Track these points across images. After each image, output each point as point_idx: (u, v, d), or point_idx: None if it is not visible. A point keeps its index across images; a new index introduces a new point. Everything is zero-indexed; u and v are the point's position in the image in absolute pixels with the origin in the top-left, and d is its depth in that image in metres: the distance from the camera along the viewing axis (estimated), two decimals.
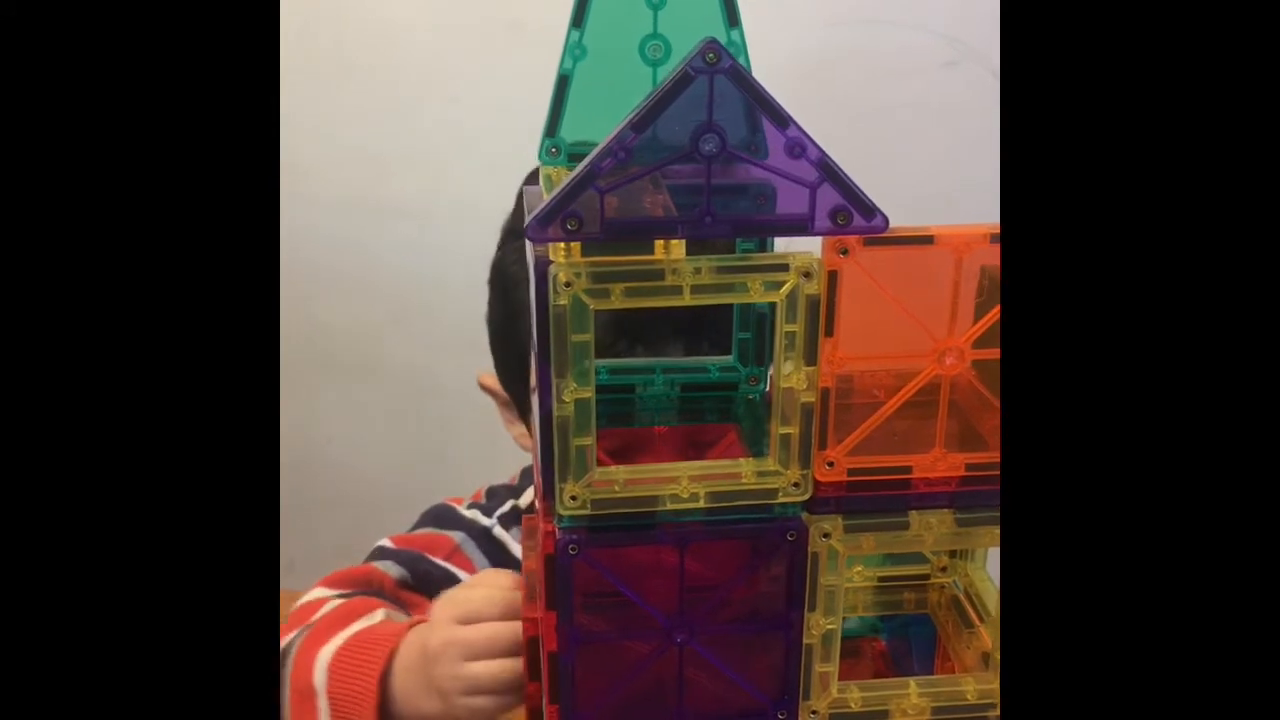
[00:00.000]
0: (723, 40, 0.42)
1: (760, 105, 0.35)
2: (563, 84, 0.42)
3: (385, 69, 1.14)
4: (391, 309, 1.21)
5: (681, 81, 0.35)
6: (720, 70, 0.35)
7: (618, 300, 0.37)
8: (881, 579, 0.52)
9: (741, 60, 0.42)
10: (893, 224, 0.37)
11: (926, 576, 0.52)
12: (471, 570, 0.76)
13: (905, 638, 0.55)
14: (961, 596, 0.50)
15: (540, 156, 0.43)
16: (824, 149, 0.36)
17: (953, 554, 0.51)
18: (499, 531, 0.78)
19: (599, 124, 0.42)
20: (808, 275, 0.37)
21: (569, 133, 0.43)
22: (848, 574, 0.51)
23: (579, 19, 0.41)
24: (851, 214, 0.37)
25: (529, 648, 0.46)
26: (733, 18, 0.42)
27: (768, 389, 0.48)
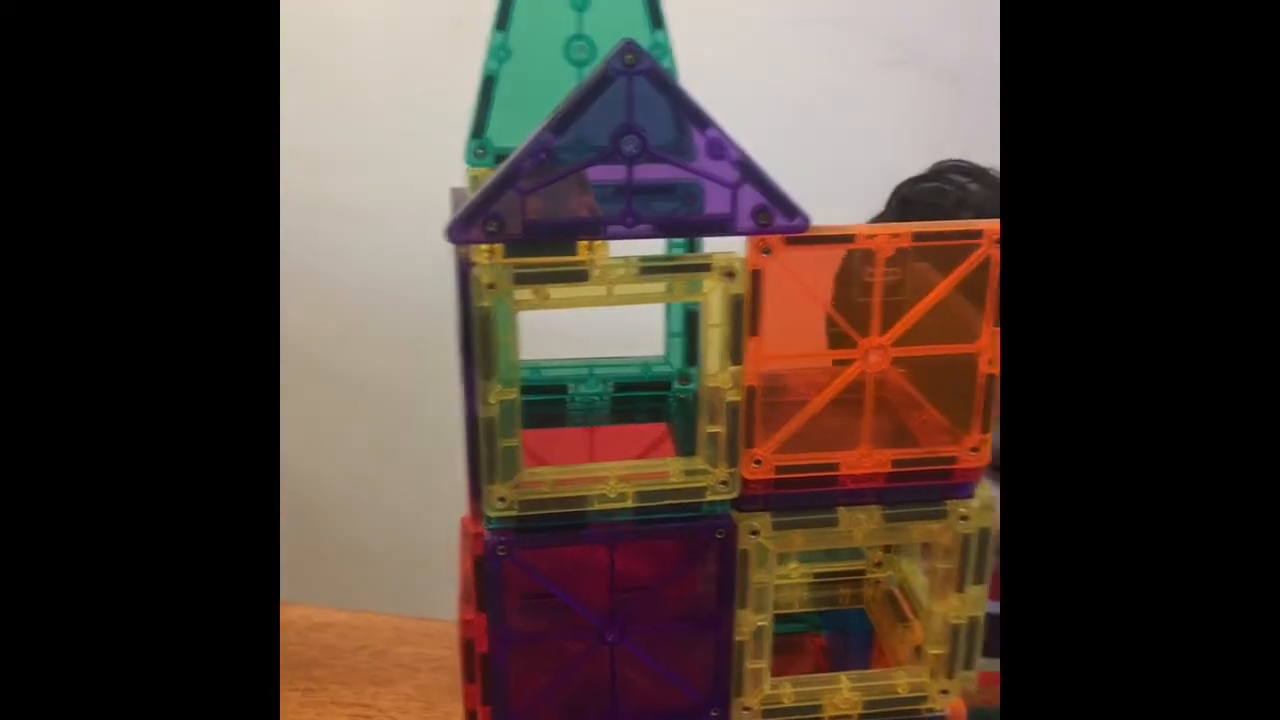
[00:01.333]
0: (646, 42, 0.42)
1: (679, 106, 0.35)
2: (488, 85, 0.42)
3: (333, 68, 1.13)
4: (340, 312, 1.20)
5: (601, 82, 0.35)
6: (639, 71, 0.35)
7: (541, 301, 0.37)
8: (817, 575, 0.52)
9: (666, 62, 0.42)
10: (840, 221, 0.38)
11: (863, 572, 0.52)
12: None
13: (844, 633, 0.55)
14: (896, 591, 0.50)
15: (466, 158, 0.43)
16: (745, 149, 0.36)
17: (887, 549, 0.51)
18: None
19: (526, 125, 0.41)
20: (731, 275, 0.37)
21: (496, 134, 0.43)
22: (784, 571, 0.52)
23: (503, 21, 0.41)
24: (773, 213, 0.37)
25: (463, 650, 0.46)
26: (656, 19, 0.42)
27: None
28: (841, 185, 1.05)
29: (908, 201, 0.80)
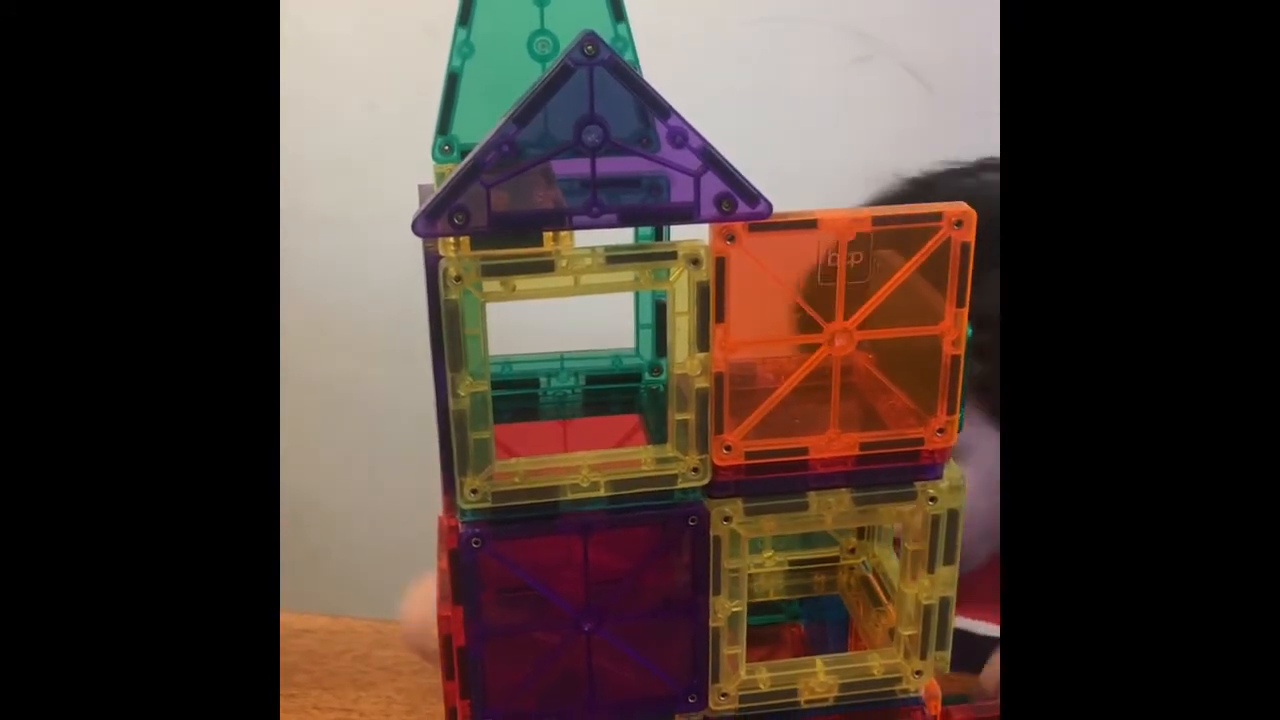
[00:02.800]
0: (609, 34, 0.43)
1: (639, 95, 0.36)
2: (452, 82, 0.42)
3: (306, 77, 1.13)
4: (312, 317, 1.20)
5: (561, 74, 0.35)
6: (599, 62, 0.35)
7: (509, 293, 0.37)
8: (793, 562, 0.53)
9: (628, 54, 0.43)
10: (804, 211, 0.38)
11: (837, 558, 0.53)
12: None
13: (822, 621, 0.56)
14: (870, 576, 0.51)
15: (433, 155, 0.43)
16: (707, 138, 0.37)
17: (860, 535, 0.52)
18: None
19: (490, 121, 0.42)
20: (696, 262, 0.38)
21: (461, 130, 0.43)
22: (759, 558, 0.52)
23: (465, 17, 0.41)
24: (735, 201, 0.37)
25: (442, 646, 0.46)
26: (618, 12, 0.42)
27: None
28: (809, 182, 1.06)
29: (930, 188, 0.79)
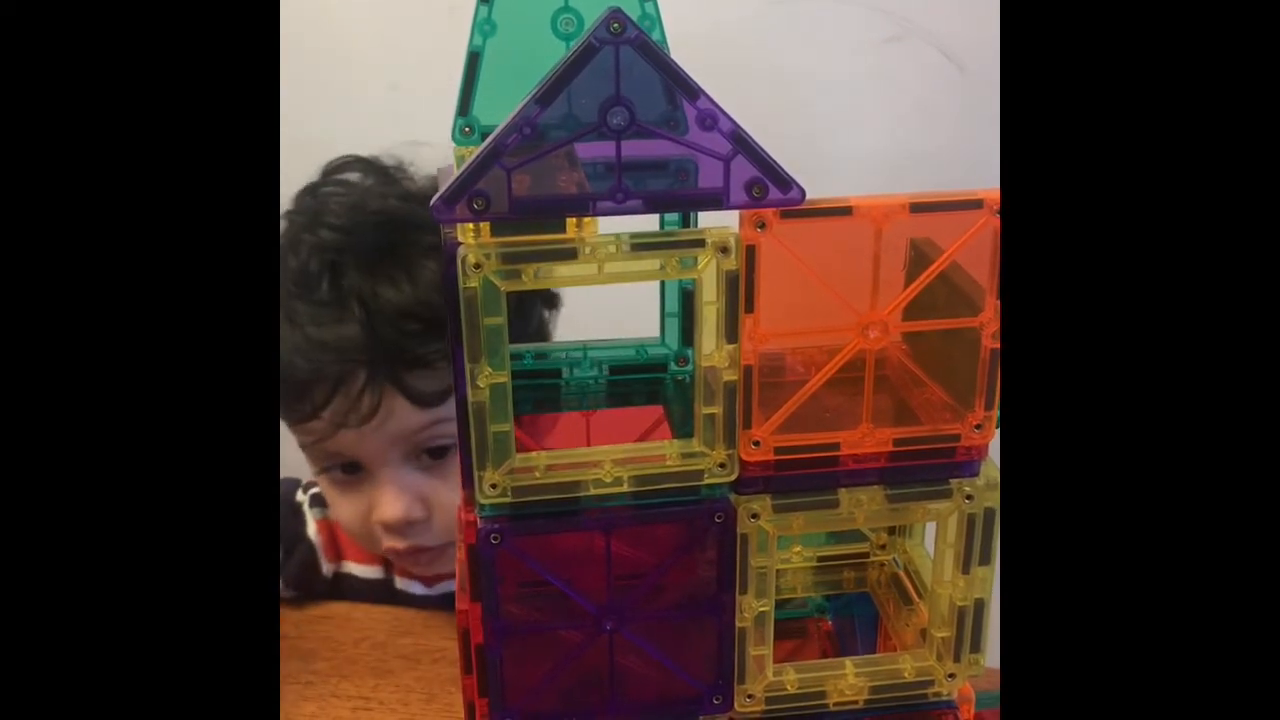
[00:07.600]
0: (635, 13, 0.41)
1: (668, 76, 0.34)
2: (473, 61, 0.41)
3: (326, 57, 1.12)
4: None
5: (586, 53, 0.34)
6: (625, 41, 0.34)
7: (530, 281, 0.36)
8: (821, 558, 0.51)
9: (655, 35, 0.41)
10: (838, 198, 0.36)
11: (867, 555, 0.51)
12: None
13: (850, 617, 0.54)
14: (901, 573, 0.49)
15: (453, 136, 0.42)
16: (737, 121, 0.35)
17: (891, 531, 0.50)
18: None
19: (513, 102, 0.40)
20: (725, 250, 0.36)
21: (482, 112, 0.41)
22: (786, 554, 0.51)
23: None
24: (767, 186, 0.36)
25: (460, 641, 0.45)
26: None
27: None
28: (839, 164, 1.04)
29: (316, 213, 0.77)
